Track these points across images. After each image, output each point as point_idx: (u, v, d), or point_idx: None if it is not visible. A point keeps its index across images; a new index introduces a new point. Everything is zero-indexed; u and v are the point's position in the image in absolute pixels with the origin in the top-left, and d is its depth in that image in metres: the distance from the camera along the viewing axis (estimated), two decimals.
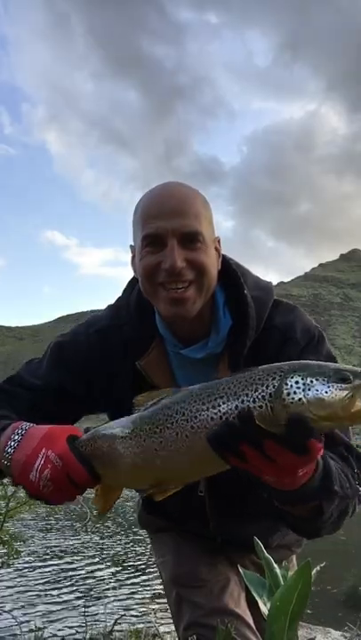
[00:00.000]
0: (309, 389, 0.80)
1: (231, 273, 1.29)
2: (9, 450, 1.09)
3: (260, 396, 0.82)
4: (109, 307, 1.41)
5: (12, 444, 1.09)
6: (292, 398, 0.80)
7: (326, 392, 0.79)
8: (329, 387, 0.80)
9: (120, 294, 1.40)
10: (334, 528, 1.09)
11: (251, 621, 1.35)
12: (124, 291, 1.38)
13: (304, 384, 0.80)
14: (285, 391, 0.80)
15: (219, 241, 1.28)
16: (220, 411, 0.85)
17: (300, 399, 0.79)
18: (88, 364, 1.32)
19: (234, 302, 1.26)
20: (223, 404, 0.85)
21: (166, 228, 1.16)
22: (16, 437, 1.09)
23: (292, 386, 0.81)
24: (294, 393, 0.80)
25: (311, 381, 0.80)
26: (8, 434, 1.11)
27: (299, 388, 0.80)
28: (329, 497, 0.99)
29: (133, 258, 1.27)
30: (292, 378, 0.81)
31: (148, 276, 1.19)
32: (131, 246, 1.29)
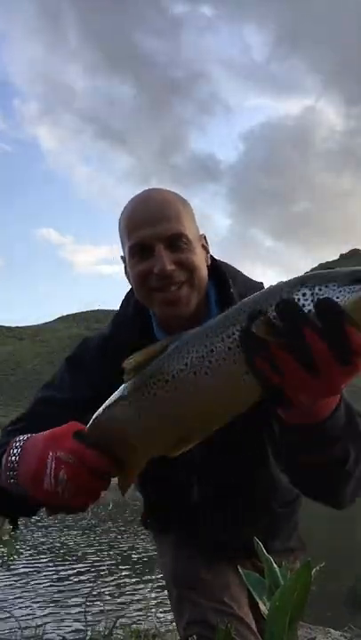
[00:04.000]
0: (320, 298, 0.70)
1: (220, 273, 1.32)
2: (11, 466, 1.01)
3: (273, 315, 0.72)
4: (110, 323, 1.44)
5: (13, 458, 1.01)
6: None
7: (337, 297, 0.69)
8: (341, 291, 0.70)
9: (121, 297, 1.44)
10: (358, 485, 1.00)
11: (252, 623, 1.35)
12: (121, 306, 1.42)
13: (312, 294, 0.71)
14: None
15: (205, 238, 1.32)
16: (237, 338, 0.75)
17: (309, 311, 0.70)
18: (97, 377, 1.32)
19: (223, 301, 1.29)
20: (238, 331, 0.75)
21: (150, 235, 1.19)
22: (15, 452, 1.02)
23: (299, 299, 0.71)
24: (303, 306, 0.70)
25: (320, 289, 0.71)
26: (7, 453, 1.04)
27: (307, 299, 0.71)
28: (356, 433, 0.93)
29: (126, 268, 1.30)
30: (298, 291, 0.72)
31: (141, 283, 1.23)
32: (121, 257, 1.32)
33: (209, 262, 1.31)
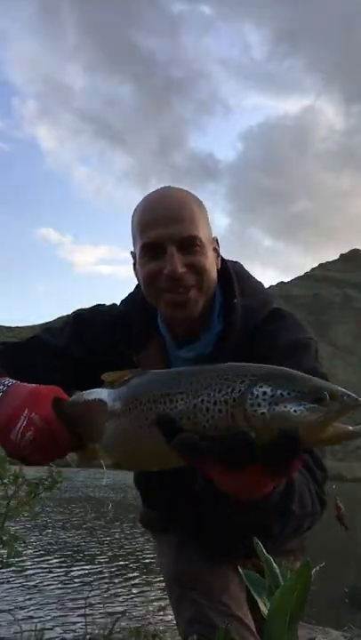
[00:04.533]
0: (277, 404, 0.68)
1: (228, 278, 1.31)
2: None
3: (222, 399, 0.71)
4: (123, 301, 1.44)
5: None
6: (255, 410, 0.69)
7: (295, 411, 0.68)
8: (300, 405, 0.68)
9: (133, 289, 1.43)
10: (283, 542, 1.07)
11: (251, 624, 1.35)
12: (136, 287, 1.41)
13: (272, 396, 0.69)
14: (250, 401, 0.69)
15: (217, 241, 1.30)
16: (176, 407, 0.75)
17: (262, 413, 0.68)
18: (98, 346, 1.36)
19: (226, 308, 1.28)
20: (181, 400, 0.75)
21: (164, 235, 1.18)
22: None
23: (258, 396, 0.69)
24: (258, 405, 0.69)
25: (281, 395, 0.69)
26: None
27: (265, 400, 0.69)
28: (284, 516, 0.94)
29: (135, 265, 1.29)
30: (260, 387, 0.70)
31: (150, 282, 1.22)
32: (131, 252, 1.32)
33: (219, 266, 1.30)
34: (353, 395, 0.70)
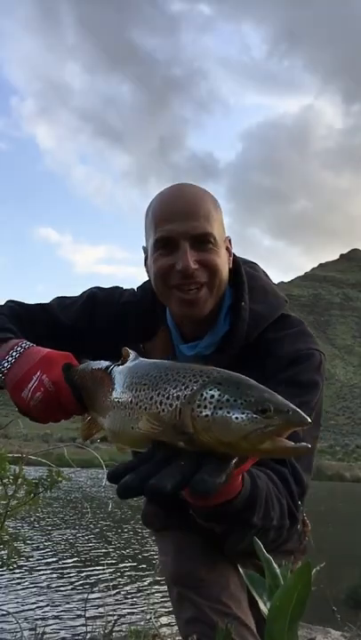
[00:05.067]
0: (220, 409, 0.70)
1: (238, 280, 1.29)
2: (5, 364, 1.15)
3: (174, 395, 0.74)
4: (140, 287, 1.46)
5: (10, 359, 1.15)
6: (200, 412, 0.70)
7: (236, 418, 0.69)
8: (243, 413, 0.69)
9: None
10: (242, 548, 1.07)
11: (252, 624, 1.35)
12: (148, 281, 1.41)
13: (218, 401, 0.70)
14: (198, 402, 0.71)
15: (230, 240, 1.30)
16: (138, 396, 0.80)
17: (206, 415, 0.70)
18: (109, 329, 1.39)
19: (233, 310, 1.27)
20: (142, 390, 0.79)
21: (178, 230, 1.18)
22: (14, 354, 1.15)
23: (205, 398, 0.71)
24: (205, 407, 0.70)
25: (227, 400, 0.70)
26: (7, 348, 1.18)
27: (211, 403, 0.70)
28: (244, 528, 0.97)
29: (146, 259, 1.29)
30: (210, 390, 0.72)
31: (162, 278, 1.21)
32: (143, 247, 1.31)
33: (231, 265, 1.28)
34: (301, 413, 0.70)
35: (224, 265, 1.23)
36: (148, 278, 1.36)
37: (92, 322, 1.40)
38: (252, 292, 1.29)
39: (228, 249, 1.28)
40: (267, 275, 1.44)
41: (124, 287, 1.51)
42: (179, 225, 1.17)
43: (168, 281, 1.20)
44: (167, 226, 1.18)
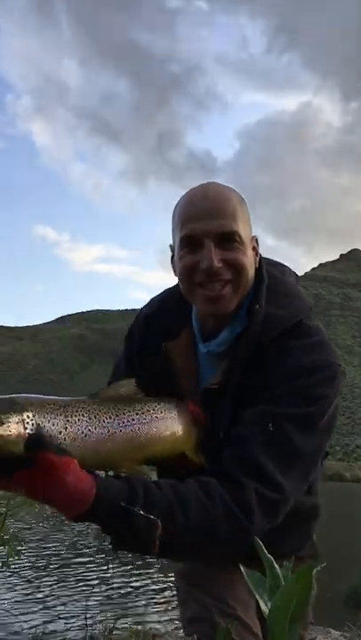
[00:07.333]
0: None
1: (259, 281, 1.28)
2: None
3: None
4: (163, 292, 1.49)
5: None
6: None
7: None
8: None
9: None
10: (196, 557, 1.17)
11: (256, 627, 1.32)
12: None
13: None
14: None
15: (257, 240, 1.29)
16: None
17: None
18: (137, 346, 1.44)
19: (250, 313, 1.25)
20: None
21: (203, 229, 1.18)
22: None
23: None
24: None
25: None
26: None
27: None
28: (130, 520, 0.97)
29: (173, 257, 1.30)
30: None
31: (187, 275, 1.22)
32: (170, 246, 1.32)
33: (257, 265, 1.28)
34: None
35: (250, 264, 1.23)
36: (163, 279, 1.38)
37: (133, 339, 1.46)
38: (272, 294, 1.26)
39: (254, 248, 1.27)
40: (297, 278, 1.42)
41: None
42: (204, 223, 1.18)
43: (193, 279, 1.21)
44: (192, 224, 1.19)
